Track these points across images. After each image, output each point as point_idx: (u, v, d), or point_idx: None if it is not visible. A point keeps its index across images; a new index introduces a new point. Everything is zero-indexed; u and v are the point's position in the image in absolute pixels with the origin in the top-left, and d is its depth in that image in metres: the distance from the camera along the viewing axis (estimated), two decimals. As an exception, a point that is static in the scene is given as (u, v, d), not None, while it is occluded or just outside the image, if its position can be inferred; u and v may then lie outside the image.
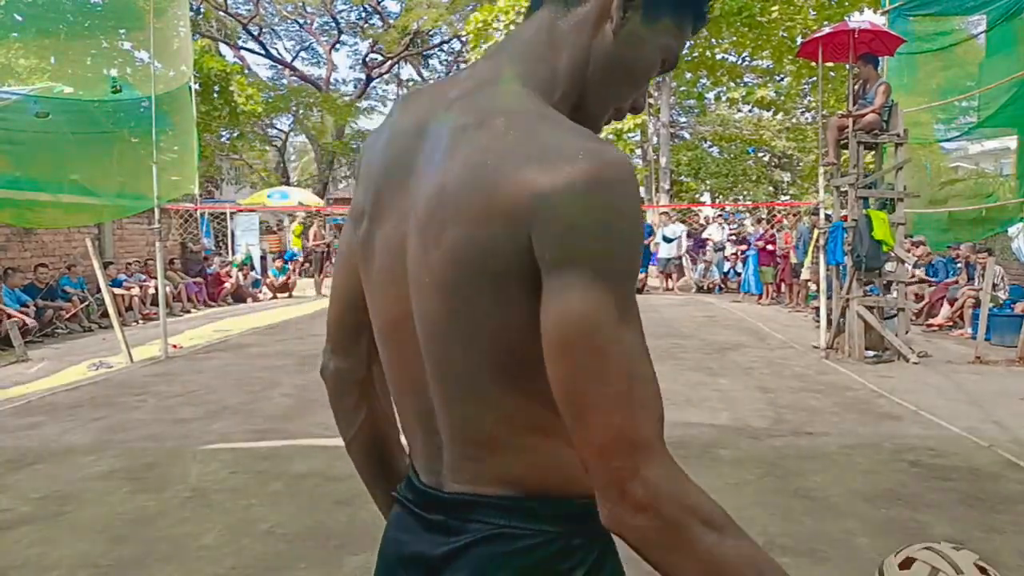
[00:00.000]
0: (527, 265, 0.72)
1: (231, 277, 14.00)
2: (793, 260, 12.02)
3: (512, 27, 20.31)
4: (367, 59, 33.83)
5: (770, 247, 12.85)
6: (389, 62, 33.77)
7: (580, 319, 0.70)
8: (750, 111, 25.78)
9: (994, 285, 8.18)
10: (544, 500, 0.83)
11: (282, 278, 15.46)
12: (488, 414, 0.82)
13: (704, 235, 16.19)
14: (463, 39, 26.60)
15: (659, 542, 0.68)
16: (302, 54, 35.78)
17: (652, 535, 0.68)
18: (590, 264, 0.70)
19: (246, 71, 26.31)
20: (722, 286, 15.29)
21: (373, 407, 1.01)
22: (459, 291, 0.77)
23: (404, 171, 0.83)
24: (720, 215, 16.94)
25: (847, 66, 8.49)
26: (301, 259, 17.62)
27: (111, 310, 8.12)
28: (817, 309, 8.69)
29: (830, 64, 9.73)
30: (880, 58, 8.21)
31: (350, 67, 63.66)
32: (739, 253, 14.65)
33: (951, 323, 9.43)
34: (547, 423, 0.80)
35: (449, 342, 0.81)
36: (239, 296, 14.00)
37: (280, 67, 34.43)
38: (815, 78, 14.91)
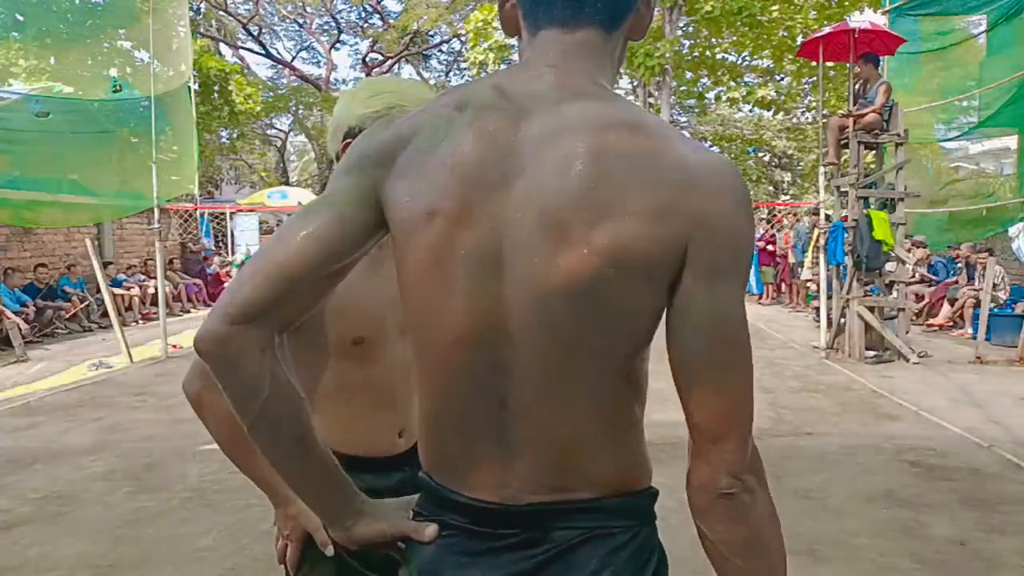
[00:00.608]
0: (673, 266, 0.79)
1: (231, 277, 14.00)
2: (791, 260, 12.01)
3: (512, 27, 20.31)
4: (367, 59, 33.83)
5: (770, 247, 12.85)
6: (389, 62, 33.77)
7: (737, 319, 0.80)
8: (750, 111, 25.78)
9: (994, 285, 8.17)
10: (626, 495, 0.87)
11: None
12: (596, 418, 0.84)
13: None
14: (463, 39, 26.61)
15: (750, 507, 0.82)
16: (302, 54, 35.76)
17: (746, 498, 0.82)
18: (743, 271, 0.81)
19: (246, 71, 26.30)
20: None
21: (278, 376, 0.84)
22: (604, 291, 0.79)
23: (500, 176, 0.80)
24: None
25: (848, 66, 8.49)
26: None
27: (111, 310, 8.12)
28: (817, 309, 8.69)
29: (830, 64, 9.72)
30: (881, 58, 8.20)
31: (350, 66, 63.61)
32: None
33: (951, 323, 9.43)
34: (639, 418, 0.88)
35: (576, 347, 0.81)
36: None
37: (280, 67, 34.43)
38: (815, 78, 14.91)
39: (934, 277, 10.47)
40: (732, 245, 0.79)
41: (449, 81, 36.45)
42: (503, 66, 22.88)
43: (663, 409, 5.64)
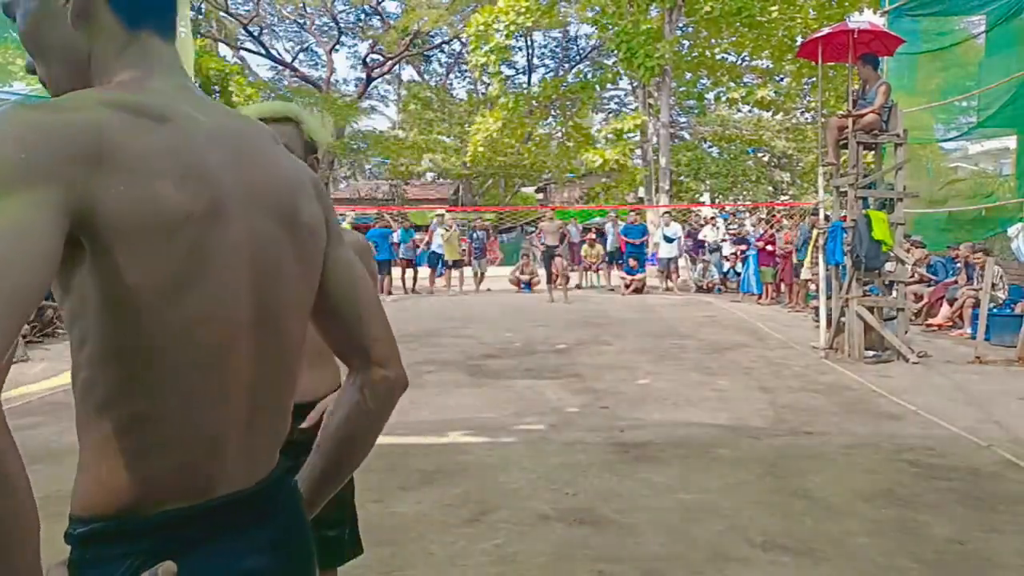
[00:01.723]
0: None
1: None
2: (795, 260, 12.01)
3: (512, 27, 20.33)
4: (367, 59, 33.82)
5: (770, 247, 12.85)
6: (389, 62, 33.76)
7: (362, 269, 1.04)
8: (750, 111, 25.78)
9: (992, 285, 8.18)
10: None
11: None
12: (299, 377, 0.98)
13: (699, 236, 16.17)
14: (463, 40, 26.61)
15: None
16: (301, 55, 35.77)
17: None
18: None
19: (246, 71, 26.30)
20: (722, 287, 15.29)
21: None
22: (315, 267, 0.94)
23: (235, 168, 0.85)
24: (715, 216, 16.90)
25: (847, 66, 8.50)
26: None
27: (111, 310, 8.11)
28: (817, 309, 8.69)
29: (830, 64, 9.73)
30: (880, 58, 8.21)
31: (350, 67, 63.67)
32: (739, 253, 14.65)
33: (951, 323, 9.43)
34: None
35: (304, 322, 0.94)
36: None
37: (280, 68, 34.42)
38: (815, 78, 14.91)
39: (933, 277, 10.47)
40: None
41: (449, 82, 36.45)
42: (504, 68, 22.95)
43: (663, 409, 5.65)
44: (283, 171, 0.93)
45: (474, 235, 15.96)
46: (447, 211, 21.65)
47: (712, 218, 16.61)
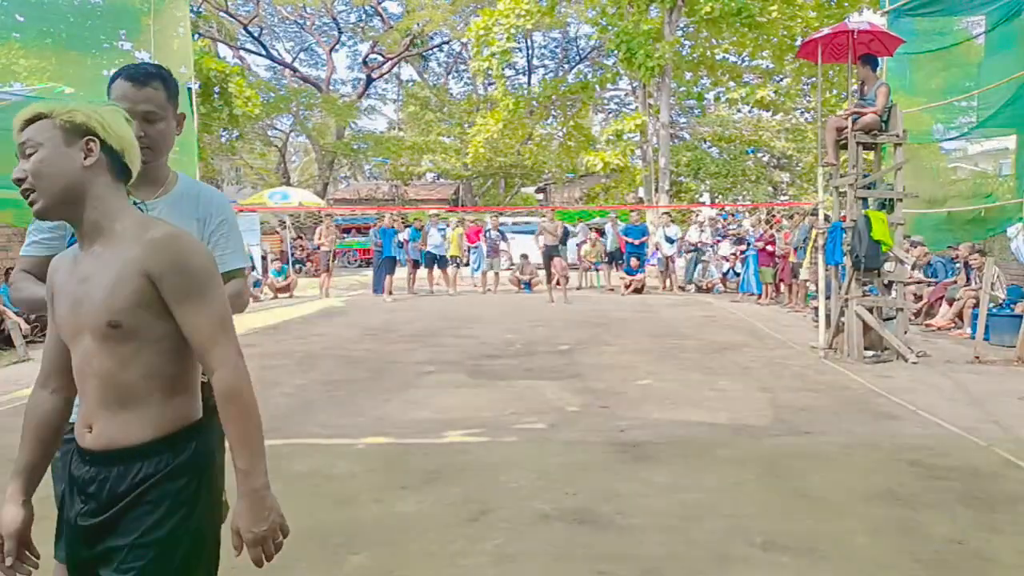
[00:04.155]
0: None
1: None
2: (793, 260, 12.01)
3: (512, 31, 20.34)
4: (367, 59, 33.80)
5: (770, 247, 12.86)
6: (389, 62, 33.75)
7: None
8: (750, 111, 25.79)
9: (992, 285, 8.18)
10: None
11: (283, 280, 15.50)
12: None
13: (685, 236, 16.14)
14: (463, 40, 26.61)
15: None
16: (301, 55, 35.74)
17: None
18: None
19: (246, 71, 26.29)
20: (722, 287, 15.30)
21: None
22: None
23: None
24: (702, 219, 16.86)
25: (847, 66, 8.50)
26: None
27: (111, 310, 8.11)
28: (816, 309, 8.70)
29: (830, 64, 9.73)
30: (879, 59, 8.21)
31: (348, 67, 63.61)
32: (738, 253, 14.66)
33: (952, 324, 9.43)
34: None
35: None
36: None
37: (280, 68, 34.39)
38: (815, 78, 14.90)
39: (930, 279, 10.48)
40: None
41: (449, 83, 36.43)
42: (506, 71, 22.94)
43: (663, 409, 5.65)
44: None
45: (488, 234, 15.95)
46: (448, 211, 21.64)
47: (700, 221, 16.60)
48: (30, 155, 1.44)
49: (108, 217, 1.46)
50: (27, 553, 1.56)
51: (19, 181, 1.45)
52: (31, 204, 1.48)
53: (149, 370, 1.44)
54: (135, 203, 1.75)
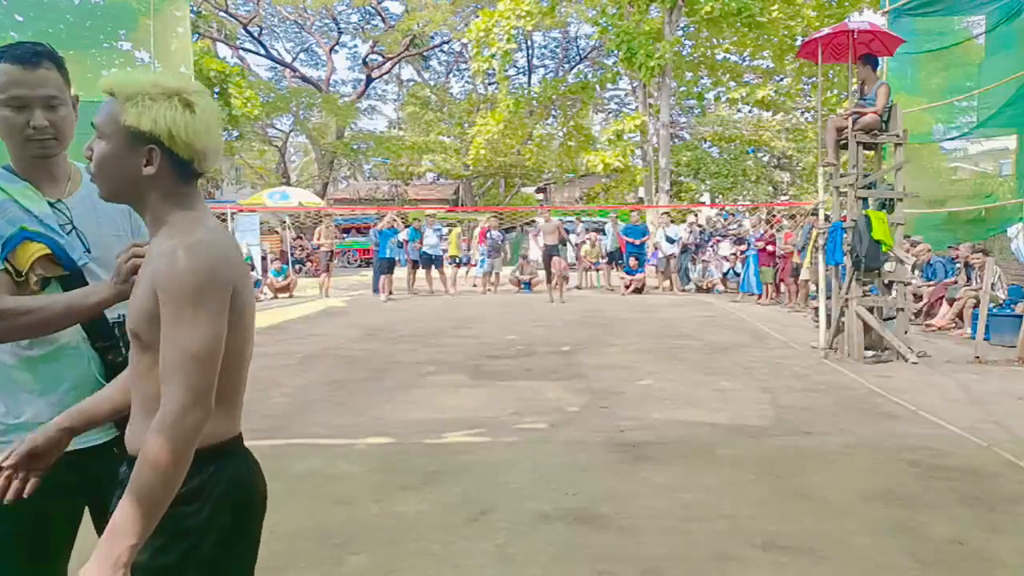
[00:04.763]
0: None
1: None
2: (796, 260, 12.01)
3: (512, 32, 20.35)
4: (367, 59, 33.79)
5: (770, 247, 12.85)
6: (389, 62, 33.74)
7: None
8: (750, 111, 25.78)
9: (992, 285, 8.18)
10: None
11: (283, 280, 15.50)
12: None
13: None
14: (464, 41, 26.60)
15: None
16: (301, 55, 35.73)
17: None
18: None
19: (246, 71, 26.28)
20: (722, 287, 15.30)
21: None
22: None
23: None
24: (693, 221, 16.81)
25: (847, 66, 8.50)
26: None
27: (111, 310, 8.10)
28: (817, 309, 8.69)
29: (830, 63, 9.73)
30: (879, 59, 8.21)
31: (348, 68, 63.62)
32: (739, 253, 14.66)
33: (952, 324, 9.42)
34: None
35: None
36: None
37: (280, 68, 34.38)
38: (815, 77, 14.90)
39: (928, 283, 10.47)
40: None
41: (449, 82, 36.43)
42: (509, 71, 22.94)
43: (663, 409, 5.64)
44: None
45: (490, 235, 15.93)
46: (448, 211, 21.63)
47: (691, 222, 16.57)
48: (99, 138, 1.40)
49: (162, 218, 1.40)
50: (32, 466, 1.47)
51: (88, 159, 1.42)
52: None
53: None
54: (50, 203, 1.70)
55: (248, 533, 1.47)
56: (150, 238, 1.43)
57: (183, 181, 1.40)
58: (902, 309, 7.64)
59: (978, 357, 7.19)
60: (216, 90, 18.25)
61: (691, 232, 15.64)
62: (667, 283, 15.54)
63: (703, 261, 15.71)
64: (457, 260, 15.80)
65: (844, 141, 7.76)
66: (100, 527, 1.82)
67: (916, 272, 10.69)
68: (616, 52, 20.06)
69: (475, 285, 16.29)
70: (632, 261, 14.99)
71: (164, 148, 1.36)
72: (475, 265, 16.93)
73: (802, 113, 25.44)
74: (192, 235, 1.34)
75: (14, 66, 1.65)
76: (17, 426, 1.65)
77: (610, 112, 32.22)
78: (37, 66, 1.66)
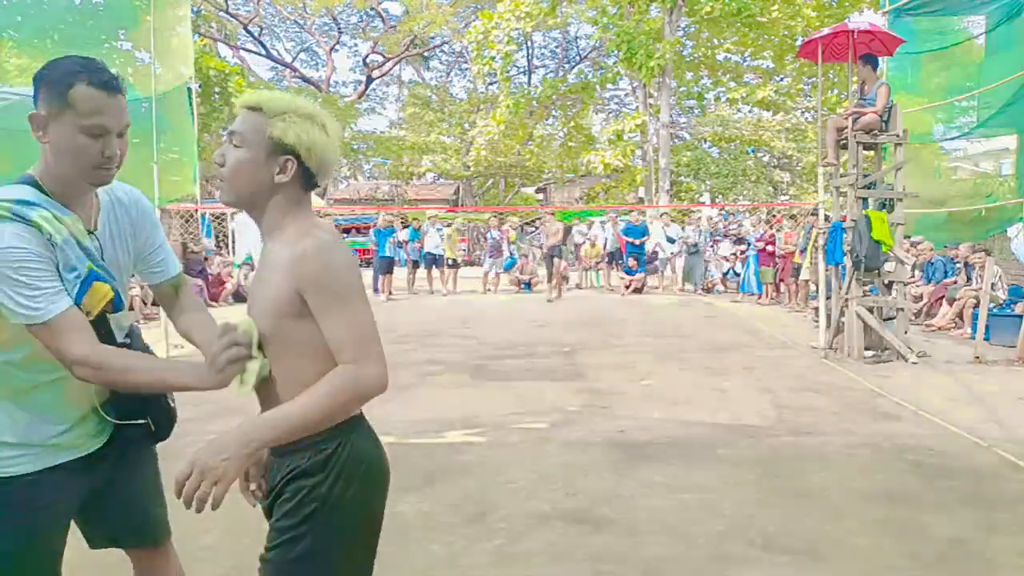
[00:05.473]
0: None
1: (232, 277, 13.99)
2: (797, 260, 12.00)
3: (513, 34, 20.34)
4: (367, 60, 33.78)
5: (770, 247, 12.85)
6: (390, 62, 33.72)
7: None
8: (750, 111, 25.77)
9: (992, 285, 8.18)
10: None
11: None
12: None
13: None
14: (464, 41, 26.59)
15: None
16: (301, 55, 35.71)
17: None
18: None
19: (246, 71, 26.27)
20: (722, 287, 15.29)
21: None
22: None
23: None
24: (685, 221, 16.76)
25: (847, 66, 8.50)
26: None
27: (111, 310, 8.10)
28: (817, 309, 8.70)
29: (830, 63, 9.74)
30: (879, 59, 8.21)
31: (349, 69, 63.63)
32: (739, 253, 14.64)
33: (952, 324, 9.42)
34: None
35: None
36: (240, 296, 13.98)
37: (280, 68, 34.37)
38: (815, 77, 14.89)
39: (927, 284, 10.47)
40: None
41: (450, 82, 36.42)
42: (510, 71, 22.93)
43: (663, 409, 5.64)
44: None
45: (491, 235, 15.90)
46: (448, 211, 21.63)
47: (663, 215, 16.55)
48: (236, 145, 1.53)
49: (283, 221, 1.54)
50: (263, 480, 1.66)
51: (219, 165, 1.54)
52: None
53: (291, 372, 1.51)
54: (89, 232, 1.70)
55: (372, 506, 1.63)
56: (263, 240, 1.57)
57: (304, 190, 1.57)
58: (902, 309, 7.65)
59: (978, 357, 7.19)
60: (216, 90, 18.24)
61: (699, 232, 15.56)
62: (666, 282, 15.53)
63: (704, 261, 15.69)
64: (454, 262, 15.75)
65: (844, 141, 7.76)
66: (87, 535, 2.00)
67: (917, 272, 10.70)
68: (616, 52, 20.06)
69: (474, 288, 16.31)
70: (632, 261, 14.99)
71: (299, 160, 1.52)
72: (482, 265, 16.94)
73: (802, 113, 25.43)
74: (321, 238, 1.48)
75: (100, 92, 1.59)
76: (25, 444, 1.68)
77: (610, 112, 32.21)
78: (117, 92, 1.62)
